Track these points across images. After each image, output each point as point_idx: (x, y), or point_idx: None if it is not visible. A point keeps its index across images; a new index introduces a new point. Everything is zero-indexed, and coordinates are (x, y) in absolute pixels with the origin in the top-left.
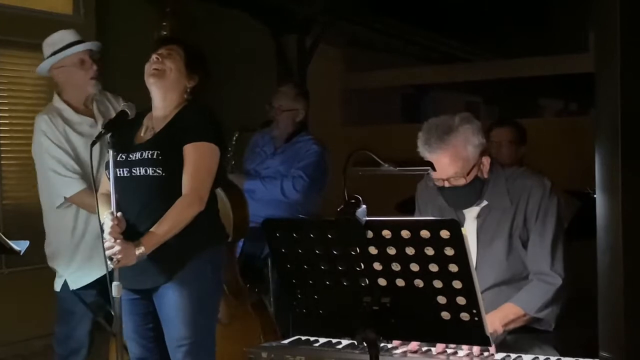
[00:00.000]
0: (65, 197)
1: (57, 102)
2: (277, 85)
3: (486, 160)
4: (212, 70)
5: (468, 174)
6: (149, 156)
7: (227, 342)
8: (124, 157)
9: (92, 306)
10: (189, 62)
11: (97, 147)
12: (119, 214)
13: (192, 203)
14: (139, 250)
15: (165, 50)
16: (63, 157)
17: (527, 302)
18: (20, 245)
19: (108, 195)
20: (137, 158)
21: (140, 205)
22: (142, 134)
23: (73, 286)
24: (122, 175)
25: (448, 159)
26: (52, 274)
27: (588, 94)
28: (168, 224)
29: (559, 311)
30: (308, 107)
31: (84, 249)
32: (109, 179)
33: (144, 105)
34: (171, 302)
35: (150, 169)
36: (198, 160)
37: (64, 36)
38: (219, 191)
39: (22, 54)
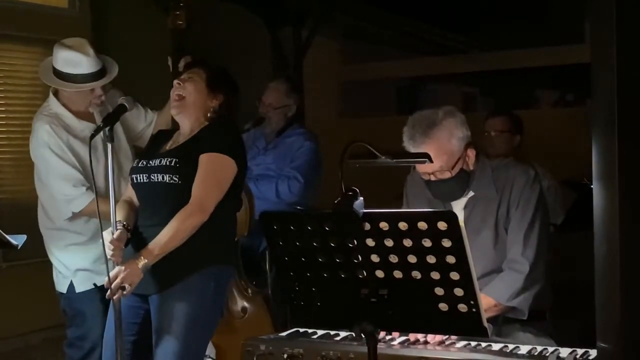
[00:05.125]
0: (74, 212)
1: (55, 105)
2: (272, 79)
3: (471, 153)
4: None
5: (453, 167)
6: (167, 163)
7: (241, 336)
8: (144, 163)
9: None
10: (210, 82)
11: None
12: (120, 225)
13: (193, 212)
14: (141, 263)
15: (186, 75)
16: (69, 172)
17: (497, 291)
18: (17, 240)
19: (128, 202)
20: (155, 164)
21: (156, 211)
22: (167, 147)
23: (98, 283)
24: (141, 181)
25: (433, 153)
26: (50, 267)
27: (584, 84)
28: (169, 234)
29: (532, 299)
30: (300, 100)
31: (98, 252)
32: (132, 185)
33: (141, 100)
34: (166, 312)
35: (167, 175)
36: (208, 169)
37: (81, 62)
38: None
39: (18, 47)
